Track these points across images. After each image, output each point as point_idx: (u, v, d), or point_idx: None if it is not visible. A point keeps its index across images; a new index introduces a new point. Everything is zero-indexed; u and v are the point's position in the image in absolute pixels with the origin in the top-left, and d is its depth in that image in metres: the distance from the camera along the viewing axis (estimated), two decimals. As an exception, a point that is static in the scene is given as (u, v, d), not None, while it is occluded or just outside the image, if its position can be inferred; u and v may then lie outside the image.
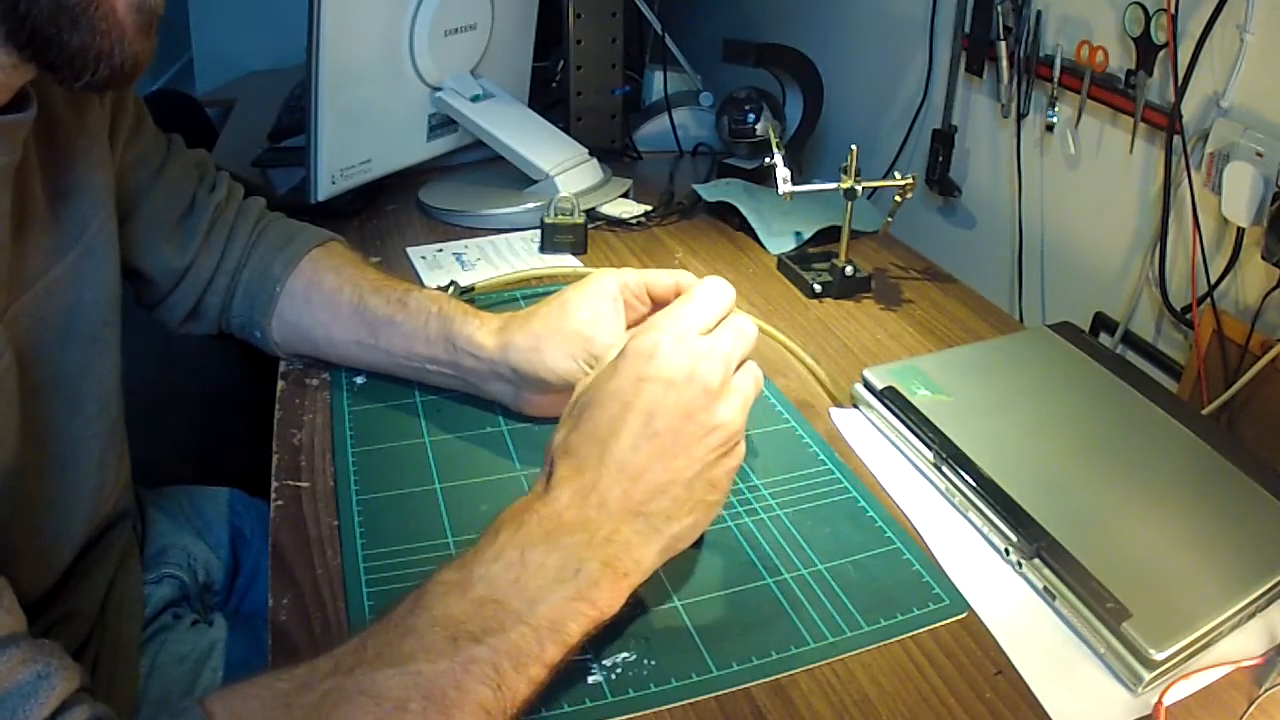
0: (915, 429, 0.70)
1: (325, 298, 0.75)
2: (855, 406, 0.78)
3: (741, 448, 0.53)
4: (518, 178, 1.10)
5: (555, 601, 0.46)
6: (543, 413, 0.72)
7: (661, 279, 0.67)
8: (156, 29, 0.50)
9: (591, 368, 0.64)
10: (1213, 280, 0.85)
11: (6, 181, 0.53)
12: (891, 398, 0.73)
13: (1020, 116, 1.05)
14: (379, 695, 0.42)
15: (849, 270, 0.96)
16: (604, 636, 0.52)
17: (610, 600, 0.48)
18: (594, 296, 0.66)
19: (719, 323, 0.54)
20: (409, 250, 1.01)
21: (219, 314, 0.77)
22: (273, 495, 0.65)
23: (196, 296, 0.76)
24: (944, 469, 0.68)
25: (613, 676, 0.52)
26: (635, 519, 0.50)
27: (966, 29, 1.11)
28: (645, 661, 0.53)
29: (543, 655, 0.45)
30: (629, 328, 0.67)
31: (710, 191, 1.14)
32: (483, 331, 0.69)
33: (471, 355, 0.69)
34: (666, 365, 0.50)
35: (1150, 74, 0.88)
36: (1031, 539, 0.60)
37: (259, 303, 0.76)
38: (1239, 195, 0.78)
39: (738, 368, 0.53)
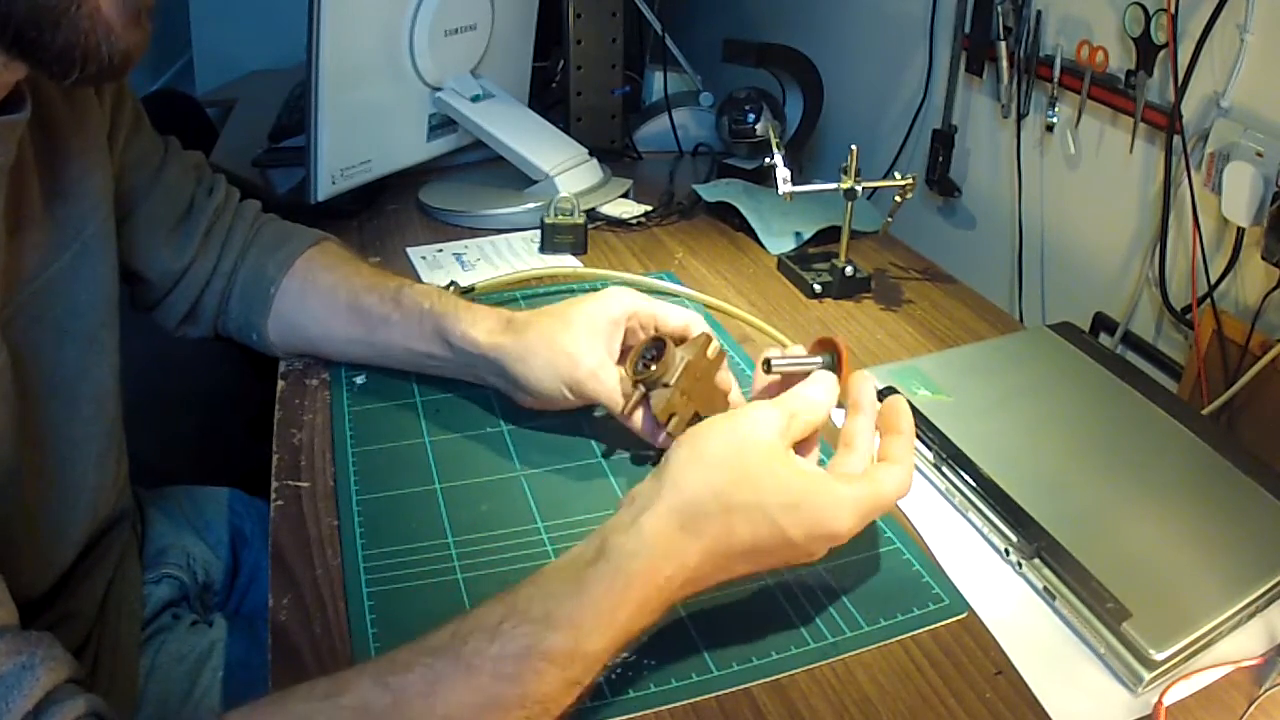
0: (915, 429, 0.70)
1: (321, 298, 0.75)
2: (855, 406, 0.78)
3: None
4: (518, 178, 1.10)
5: (607, 657, 0.47)
6: (537, 407, 0.72)
7: (672, 319, 0.67)
8: (147, 19, 0.50)
9: (573, 392, 0.66)
10: (1213, 280, 0.85)
11: (1, 182, 0.53)
12: (891, 398, 0.73)
13: (1020, 116, 1.05)
14: None
15: (849, 270, 0.96)
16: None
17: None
18: (595, 320, 0.67)
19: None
20: (409, 250, 1.01)
21: (214, 316, 0.77)
22: (273, 495, 0.65)
23: (193, 299, 0.76)
24: (944, 469, 0.68)
25: (613, 676, 0.52)
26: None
27: (966, 29, 1.11)
28: (645, 661, 0.53)
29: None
30: (624, 351, 0.68)
31: (710, 191, 1.14)
32: (476, 329, 0.69)
33: (465, 351, 0.70)
34: (823, 538, 0.50)
35: (1150, 74, 0.88)
36: (1031, 539, 0.60)
37: (255, 304, 0.76)
38: (1239, 195, 0.78)
39: None
